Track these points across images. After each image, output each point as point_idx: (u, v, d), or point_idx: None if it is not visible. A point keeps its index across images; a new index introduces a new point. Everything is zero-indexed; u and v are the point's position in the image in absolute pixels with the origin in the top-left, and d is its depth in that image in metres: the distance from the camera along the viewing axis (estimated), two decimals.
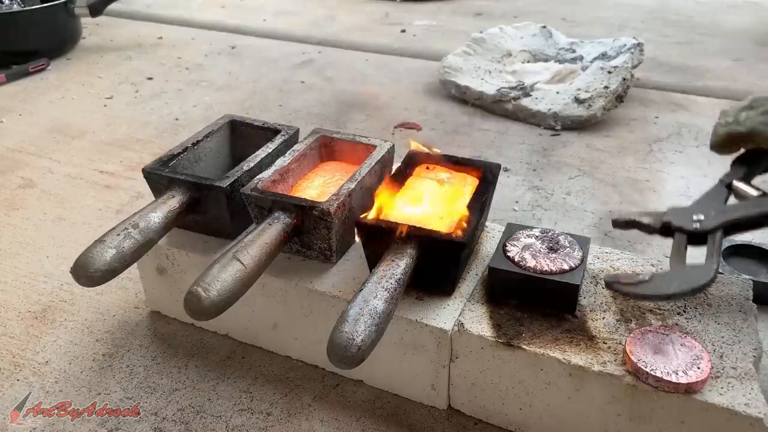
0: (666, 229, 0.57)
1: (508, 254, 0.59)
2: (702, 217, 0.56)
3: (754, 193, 0.58)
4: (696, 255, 0.55)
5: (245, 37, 1.71)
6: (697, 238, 0.55)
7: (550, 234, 0.61)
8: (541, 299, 0.57)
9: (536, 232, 0.62)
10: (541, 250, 0.59)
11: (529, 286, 0.57)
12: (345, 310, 0.49)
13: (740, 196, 0.59)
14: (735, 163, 0.63)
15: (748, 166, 0.61)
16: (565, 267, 0.57)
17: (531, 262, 0.57)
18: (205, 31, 1.76)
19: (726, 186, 0.60)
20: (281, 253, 0.61)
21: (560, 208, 0.93)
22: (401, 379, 0.61)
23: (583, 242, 0.60)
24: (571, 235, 0.61)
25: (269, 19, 1.87)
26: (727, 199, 0.59)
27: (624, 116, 1.21)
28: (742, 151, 0.63)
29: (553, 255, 0.58)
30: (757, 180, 0.61)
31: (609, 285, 0.53)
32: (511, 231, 0.63)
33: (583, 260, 0.58)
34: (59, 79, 1.44)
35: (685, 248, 0.54)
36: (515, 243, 0.60)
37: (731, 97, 1.28)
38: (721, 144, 0.62)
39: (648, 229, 0.58)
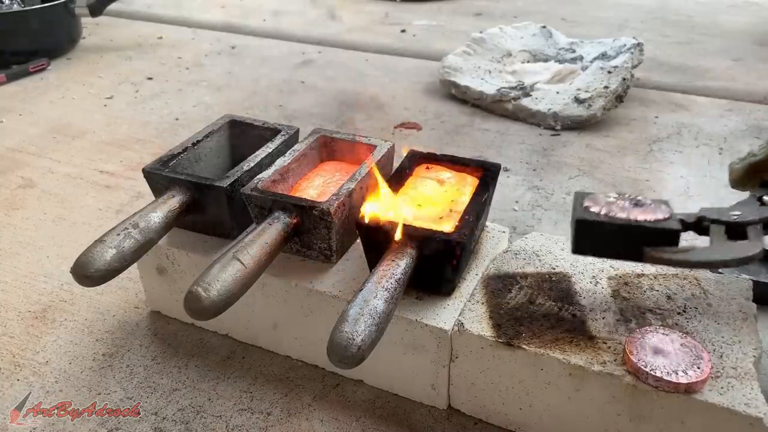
0: (698, 225, 0.55)
1: (593, 210, 0.56)
2: (739, 212, 0.55)
3: None
4: None
5: (245, 37, 1.71)
6: (735, 229, 0.53)
7: (628, 195, 0.58)
8: (634, 250, 0.54)
9: (612, 196, 0.58)
10: (627, 206, 0.56)
11: (625, 237, 0.54)
12: (345, 310, 0.49)
13: None
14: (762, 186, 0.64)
15: None
16: (660, 216, 0.54)
17: (622, 214, 0.55)
18: (205, 31, 1.76)
19: (757, 198, 0.59)
20: (281, 253, 0.61)
21: (560, 208, 0.93)
22: (401, 379, 0.61)
23: (663, 203, 0.57)
24: (650, 199, 0.58)
25: (269, 19, 1.87)
26: (760, 206, 0.58)
27: (624, 116, 1.21)
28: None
29: (641, 208, 0.56)
30: None
31: (649, 254, 0.51)
32: (581, 197, 0.59)
33: (672, 214, 0.55)
34: (59, 79, 1.44)
35: (724, 237, 0.53)
36: (595, 202, 0.57)
37: (731, 97, 1.29)
38: (741, 178, 0.63)
39: (683, 225, 0.55)
